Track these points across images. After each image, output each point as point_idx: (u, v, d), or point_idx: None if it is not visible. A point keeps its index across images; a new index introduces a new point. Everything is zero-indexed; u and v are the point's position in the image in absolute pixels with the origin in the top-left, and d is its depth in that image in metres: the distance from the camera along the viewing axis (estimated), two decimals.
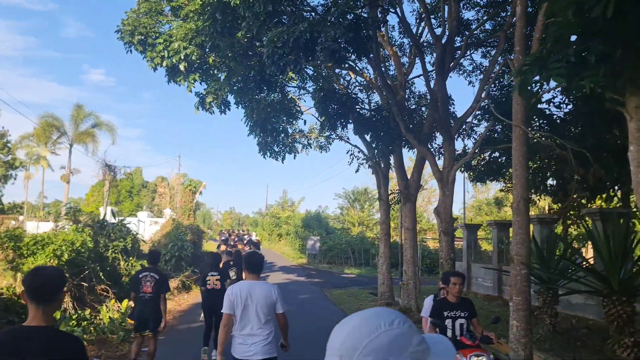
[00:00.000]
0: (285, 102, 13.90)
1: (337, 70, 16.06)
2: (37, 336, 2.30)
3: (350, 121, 11.92)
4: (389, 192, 17.82)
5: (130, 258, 13.96)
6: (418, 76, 16.72)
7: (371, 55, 11.52)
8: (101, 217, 15.33)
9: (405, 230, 14.38)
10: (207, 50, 10.61)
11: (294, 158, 17.62)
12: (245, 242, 22.96)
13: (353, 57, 9.70)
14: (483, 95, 10.90)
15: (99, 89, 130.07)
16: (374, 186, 62.07)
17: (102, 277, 11.82)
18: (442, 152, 12.34)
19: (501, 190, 18.16)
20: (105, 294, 11.96)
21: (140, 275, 7.55)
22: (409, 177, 14.42)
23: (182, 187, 29.24)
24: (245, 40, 10.43)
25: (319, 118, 17.32)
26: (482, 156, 14.77)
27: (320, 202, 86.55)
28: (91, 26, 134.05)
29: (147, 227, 28.57)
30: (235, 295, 4.59)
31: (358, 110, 11.97)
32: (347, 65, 11.32)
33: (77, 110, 34.57)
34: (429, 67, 16.92)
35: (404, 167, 14.72)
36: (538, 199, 18.42)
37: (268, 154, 16.59)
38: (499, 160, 15.14)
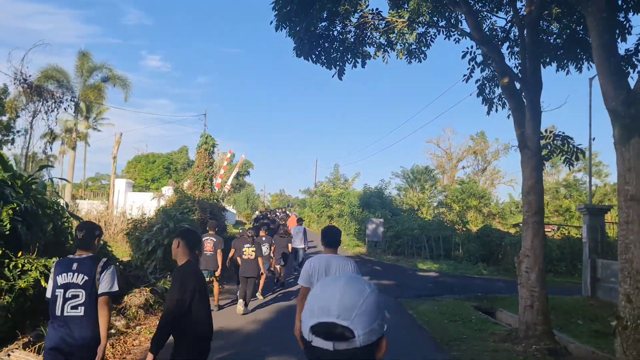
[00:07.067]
0: None
1: None
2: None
3: None
4: (540, 134, 9.56)
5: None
6: None
7: None
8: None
9: (626, 202, 6.22)
10: None
11: (363, 67, 9.53)
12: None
13: None
14: None
15: (155, 75, 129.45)
16: (434, 165, 53.75)
17: None
18: None
19: None
20: None
21: (204, 238, 9.94)
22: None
23: (197, 148, 21.79)
24: None
25: None
26: None
27: (381, 176, 74.84)
28: (150, 14, 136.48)
29: (148, 203, 21.59)
30: (314, 268, 4.78)
31: None
32: None
33: (81, 59, 26.86)
34: None
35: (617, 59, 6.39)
36: None
37: (314, 56, 8.64)
38: None
